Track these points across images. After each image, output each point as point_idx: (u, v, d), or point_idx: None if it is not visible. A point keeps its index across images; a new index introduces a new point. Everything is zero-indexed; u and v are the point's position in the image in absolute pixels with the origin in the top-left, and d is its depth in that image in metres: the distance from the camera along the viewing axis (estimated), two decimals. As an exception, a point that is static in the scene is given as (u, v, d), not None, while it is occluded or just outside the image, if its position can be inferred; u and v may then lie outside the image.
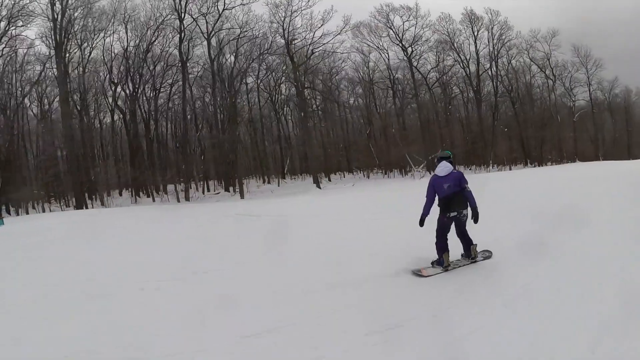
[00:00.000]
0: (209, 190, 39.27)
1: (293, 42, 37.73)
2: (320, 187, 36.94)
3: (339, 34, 38.58)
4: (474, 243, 6.65)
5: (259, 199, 30.15)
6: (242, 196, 34.60)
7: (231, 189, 37.31)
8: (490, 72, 48.16)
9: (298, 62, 37.89)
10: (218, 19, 36.19)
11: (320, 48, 38.62)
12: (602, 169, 27.42)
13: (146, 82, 36.47)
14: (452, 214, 6.48)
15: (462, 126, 49.31)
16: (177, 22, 35.29)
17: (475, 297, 5.50)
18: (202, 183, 39.28)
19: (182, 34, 35.18)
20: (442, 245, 6.52)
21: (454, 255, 6.71)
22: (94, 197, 34.13)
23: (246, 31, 36.99)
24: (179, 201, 33.70)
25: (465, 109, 51.31)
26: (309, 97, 42.98)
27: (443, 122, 47.57)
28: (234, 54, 37.60)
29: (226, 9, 36.27)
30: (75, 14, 32.61)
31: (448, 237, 6.62)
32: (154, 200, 35.03)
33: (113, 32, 35.35)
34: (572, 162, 56.61)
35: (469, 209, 6.45)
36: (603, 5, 73.29)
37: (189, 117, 37.47)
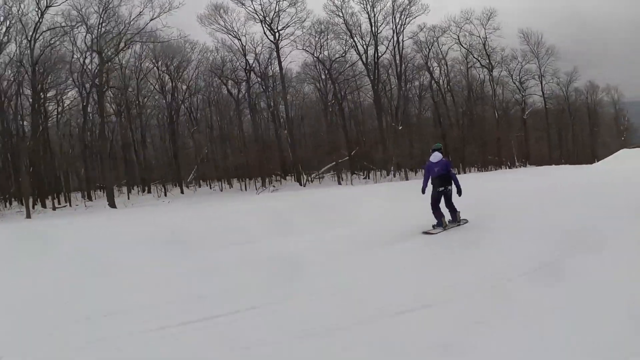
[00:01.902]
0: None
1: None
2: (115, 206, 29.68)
3: (157, 16, 31.03)
4: (458, 210, 8.99)
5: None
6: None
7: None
8: (395, 55, 39.44)
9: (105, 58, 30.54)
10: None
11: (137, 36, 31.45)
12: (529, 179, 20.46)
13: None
14: (441, 189, 8.82)
15: (345, 130, 40.66)
16: None
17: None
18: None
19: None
20: (438, 213, 8.79)
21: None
22: None
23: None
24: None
25: (360, 108, 43.31)
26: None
27: (327, 126, 40.17)
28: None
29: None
30: None
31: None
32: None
33: None
34: (524, 166, 49.28)
35: (453, 185, 8.84)
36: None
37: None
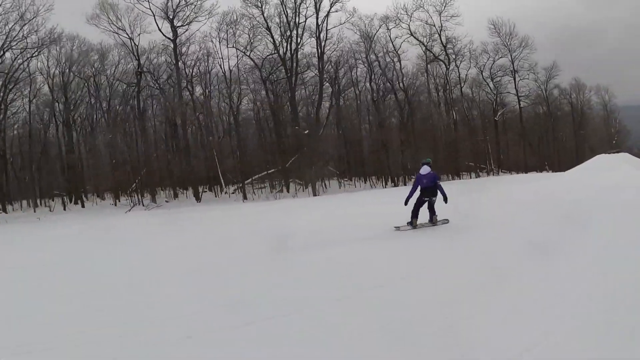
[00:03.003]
0: None
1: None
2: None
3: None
4: (435, 214, 9.88)
5: None
6: None
7: None
8: (318, 47, 33.75)
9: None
10: None
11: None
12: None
13: None
14: (425, 199, 9.70)
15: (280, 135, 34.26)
16: None
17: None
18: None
19: None
20: (415, 214, 9.63)
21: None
22: None
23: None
24: None
25: (261, 110, 36.25)
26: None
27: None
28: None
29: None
30: None
31: (420, 211, 9.71)
32: None
33: None
34: (495, 174, 43.31)
35: (438, 195, 9.64)
36: None
37: None
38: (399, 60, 37.12)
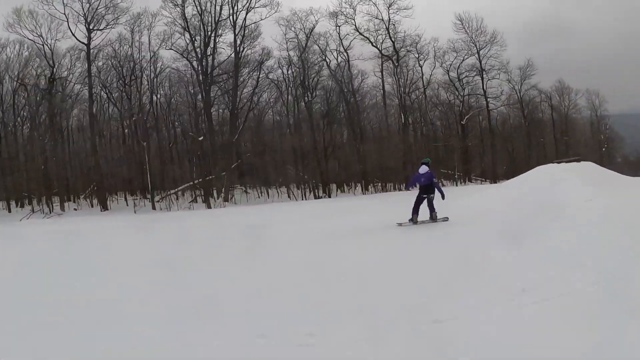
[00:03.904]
0: None
1: None
2: None
3: None
4: (435, 211, 10.54)
5: None
6: None
7: None
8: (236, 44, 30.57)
9: None
10: None
11: None
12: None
13: None
14: (424, 196, 10.48)
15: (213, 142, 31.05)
16: None
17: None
18: None
19: None
20: (415, 210, 10.43)
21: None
22: None
23: None
24: None
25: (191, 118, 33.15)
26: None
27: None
28: None
29: None
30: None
31: (420, 208, 10.50)
32: None
33: None
34: (463, 183, 39.49)
35: (436, 192, 10.43)
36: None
37: None
38: (347, 60, 33.95)
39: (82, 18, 29.01)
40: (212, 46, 29.92)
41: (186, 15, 29.43)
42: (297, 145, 31.17)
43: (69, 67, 30.73)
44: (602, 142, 48.50)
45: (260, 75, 31.84)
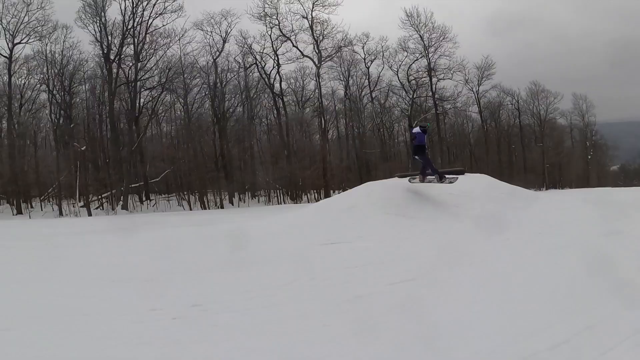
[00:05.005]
0: None
1: None
2: None
3: None
4: (438, 173, 10.17)
5: None
6: None
7: None
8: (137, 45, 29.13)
9: None
10: None
11: None
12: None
13: None
14: (415, 157, 10.45)
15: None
16: None
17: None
18: None
19: None
20: (422, 171, 10.31)
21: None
22: None
23: None
24: None
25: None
26: None
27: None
28: None
29: None
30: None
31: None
32: None
33: None
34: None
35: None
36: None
37: None
38: (277, 63, 31.96)
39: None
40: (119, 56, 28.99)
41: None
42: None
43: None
44: (587, 149, 43.86)
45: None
